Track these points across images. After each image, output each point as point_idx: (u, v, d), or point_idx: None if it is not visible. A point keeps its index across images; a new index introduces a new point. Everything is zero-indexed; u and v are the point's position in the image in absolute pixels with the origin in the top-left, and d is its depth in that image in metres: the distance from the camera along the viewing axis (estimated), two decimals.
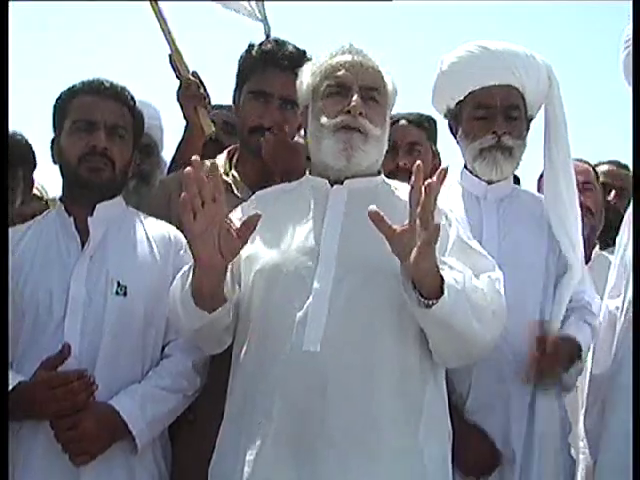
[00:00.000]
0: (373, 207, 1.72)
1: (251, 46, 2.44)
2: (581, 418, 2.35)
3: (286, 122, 2.35)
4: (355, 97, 1.94)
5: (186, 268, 1.88)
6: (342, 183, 1.97)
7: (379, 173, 2.06)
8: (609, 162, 3.30)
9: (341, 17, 8.12)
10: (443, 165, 2.88)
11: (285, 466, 1.81)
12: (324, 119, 1.96)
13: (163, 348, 2.14)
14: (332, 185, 1.98)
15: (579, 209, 2.38)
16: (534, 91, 2.35)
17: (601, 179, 3.15)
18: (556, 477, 2.21)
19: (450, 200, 2.23)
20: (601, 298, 2.36)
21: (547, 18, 8.44)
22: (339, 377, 1.81)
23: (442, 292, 1.73)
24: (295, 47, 2.41)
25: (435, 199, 1.69)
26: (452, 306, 1.74)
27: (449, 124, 2.46)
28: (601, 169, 3.21)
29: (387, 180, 2.09)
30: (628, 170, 3.11)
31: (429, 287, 1.75)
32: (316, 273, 1.87)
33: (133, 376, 2.07)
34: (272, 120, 2.34)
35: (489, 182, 2.38)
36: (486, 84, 2.33)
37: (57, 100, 2.21)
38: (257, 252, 1.94)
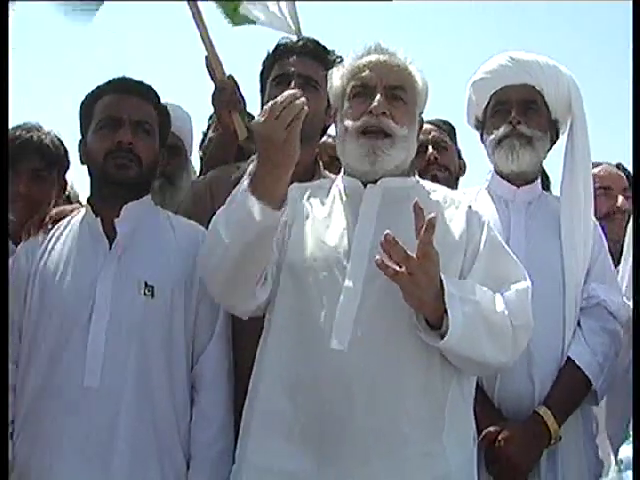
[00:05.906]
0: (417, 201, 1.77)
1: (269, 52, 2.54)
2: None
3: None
4: (378, 97, 1.94)
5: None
6: (376, 182, 1.96)
7: (411, 174, 2.05)
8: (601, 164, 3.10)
9: (341, 18, 8.09)
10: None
11: (307, 461, 1.82)
12: (347, 122, 1.97)
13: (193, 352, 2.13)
14: (365, 185, 1.97)
15: (592, 212, 2.37)
16: (553, 92, 2.39)
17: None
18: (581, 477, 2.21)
19: (479, 204, 2.22)
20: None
21: (547, 18, 8.32)
22: (365, 377, 1.81)
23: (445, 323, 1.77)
24: (310, 39, 2.56)
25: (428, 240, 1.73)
26: (459, 338, 1.77)
27: (480, 134, 2.50)
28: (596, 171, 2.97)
29: (421, 181, 2.09)
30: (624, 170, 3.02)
31: (430, 319, 1.80)
32: (347, 271, 1.87)
33: (161, 376, 2.06)
34: None
35: (518, 185, 2.38)
36: (503, 85, 2.41)
37: (83, 102, 2.22)
38: (296, 242, 1.94)
